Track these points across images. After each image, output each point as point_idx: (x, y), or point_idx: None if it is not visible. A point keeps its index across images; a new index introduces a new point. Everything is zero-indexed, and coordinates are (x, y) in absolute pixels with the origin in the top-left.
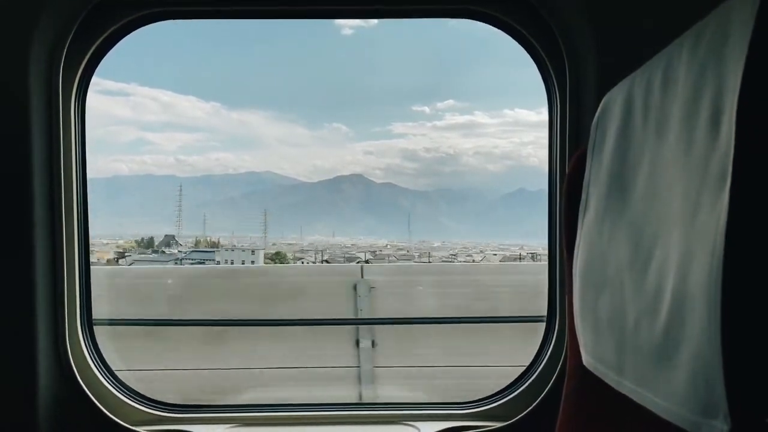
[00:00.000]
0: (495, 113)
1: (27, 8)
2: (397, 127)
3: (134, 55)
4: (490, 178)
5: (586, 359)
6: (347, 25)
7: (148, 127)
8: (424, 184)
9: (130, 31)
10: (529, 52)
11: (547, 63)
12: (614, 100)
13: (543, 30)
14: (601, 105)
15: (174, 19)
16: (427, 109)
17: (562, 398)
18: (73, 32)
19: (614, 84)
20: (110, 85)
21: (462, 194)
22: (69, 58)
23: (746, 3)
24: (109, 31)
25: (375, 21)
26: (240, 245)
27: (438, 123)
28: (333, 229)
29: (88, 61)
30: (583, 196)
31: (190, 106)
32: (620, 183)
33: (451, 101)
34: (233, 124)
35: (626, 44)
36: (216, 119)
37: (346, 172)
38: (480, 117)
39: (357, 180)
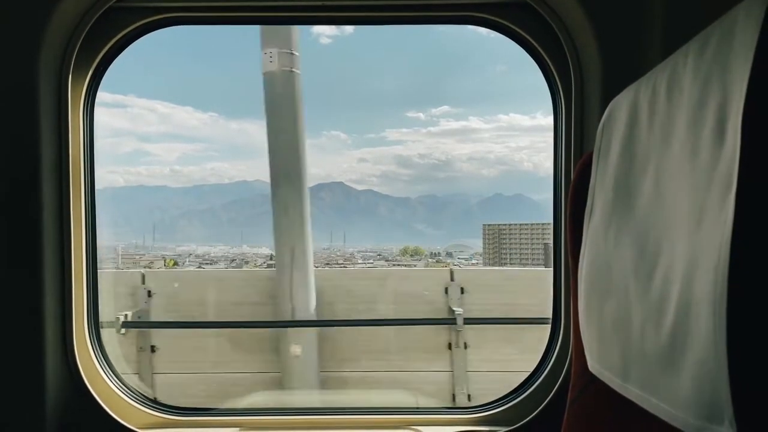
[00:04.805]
0: (490, 118)
1: (36, 12)
2: (392, 134)
3: (131, 66)
4: (481, 183)
5: (592, 364)
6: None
7: (146, 138)
8: (416, 190)
9: (139, 37)
10: (533, 58)
11: (552, 69)
12: (620, 106)
13: (547, 36)
14: (606, 111)
15: (183, 24)
16: (422, 115)
17: (567, 403)
18: (82, 37)
19: (619, 89)
20: (107, 97)
21: (445, 200)
22: (78, 63)
23: (752, 11)
24: (118, 37)
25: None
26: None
27: (432, 129)
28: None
29: (96, 66)
30: (589, 201)
31: (188, 117)
32: (626, 188)
33: (445, 107)
34: (232, 133)
35: (631, 50)
36: (215, 129)
37: (340, 180)
38: (474, 122)
39: (336, 188)
